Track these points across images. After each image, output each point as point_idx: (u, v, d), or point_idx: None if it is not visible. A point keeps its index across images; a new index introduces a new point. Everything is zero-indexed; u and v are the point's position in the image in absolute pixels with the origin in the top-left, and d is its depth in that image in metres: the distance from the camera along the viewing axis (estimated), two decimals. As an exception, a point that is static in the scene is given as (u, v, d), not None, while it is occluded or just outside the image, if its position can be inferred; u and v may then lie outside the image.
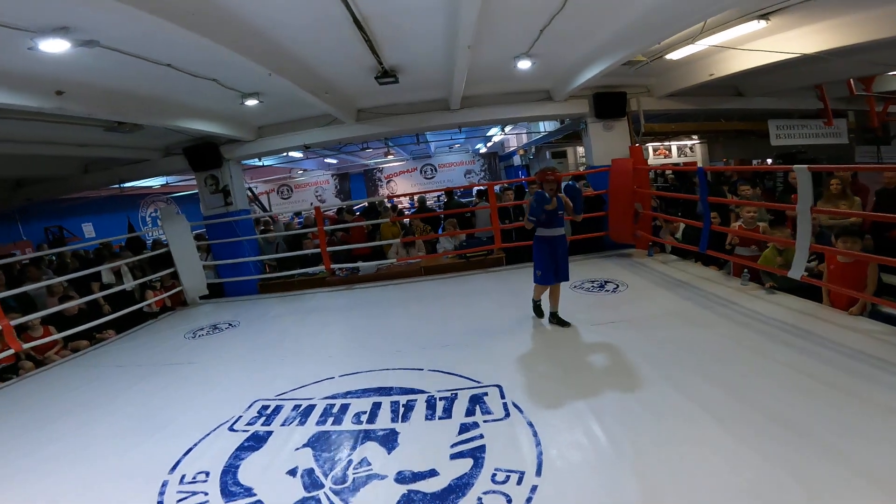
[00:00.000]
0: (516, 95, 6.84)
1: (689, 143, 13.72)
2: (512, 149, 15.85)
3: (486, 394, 2.96)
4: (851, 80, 6.31)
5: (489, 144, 16.33)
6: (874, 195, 5.01)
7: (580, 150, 13.87)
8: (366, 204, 9.34)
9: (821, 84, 6.63)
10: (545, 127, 10.75)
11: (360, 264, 6.71)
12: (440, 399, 2.97)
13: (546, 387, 3.01)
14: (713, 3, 3.22)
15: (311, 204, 16.65)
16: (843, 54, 4.23)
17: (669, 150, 13.80)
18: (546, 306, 4.08)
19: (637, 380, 2.94)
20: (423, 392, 3.08)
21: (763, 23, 3.61)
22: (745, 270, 4.45)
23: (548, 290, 3.97)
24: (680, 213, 6.48)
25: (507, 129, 12.24)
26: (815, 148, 8.56)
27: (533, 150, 14.13)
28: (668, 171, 10.81)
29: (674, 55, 4.91)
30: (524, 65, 5.11)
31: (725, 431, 2.31)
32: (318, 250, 6.53)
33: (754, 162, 12.26)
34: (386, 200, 10.23)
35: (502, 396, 2.90)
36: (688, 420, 2.45)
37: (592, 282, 5.08)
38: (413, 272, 6.48)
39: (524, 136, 13.53)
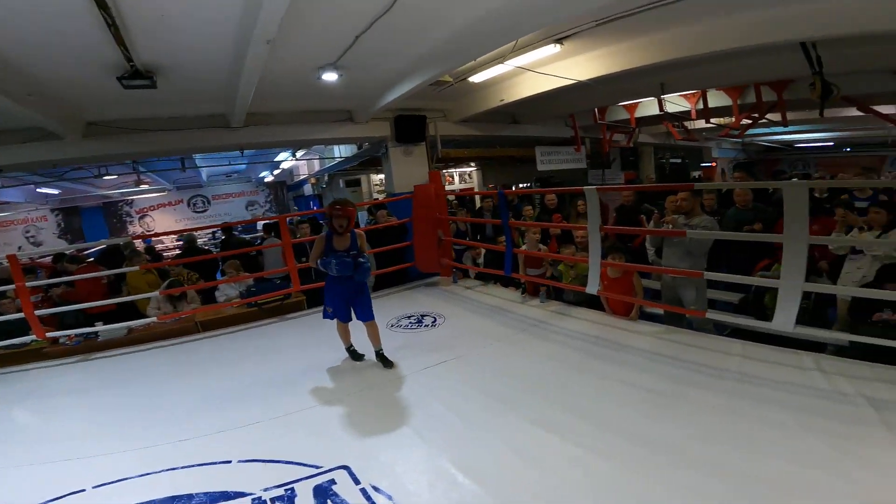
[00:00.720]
0: (314, 114, 6.12)
1: (467, 169, 15.17)
2: (302, 177, 14.60)
3: (333, 481, 2.25)
4: (596, 109, 7.72)
5: (276, 172, 14.46)
6: (614, 212, 5.95)
7: (375, 177, 13.82)
8: (105, 247, 6.99)
9: (573, 113, 7.93)
10: (340, 152, 10.19)
11: (99, 328, 4.77)
12: (273, 501, 2.13)
13: (404, 454, 2.47)
14: (525, 22, 3.26)
15: (19, 248, 12.08)
16: (606, 82, 4.97)
17: (452, 177, 14.94)
18: (364, 347, 3.69)
19: (493, 421, 2.69)
20: (243, 495, 2.18)
21: (558, 47, 3.91)
22: (542, 289, 4.69)
23: (349, 328, 3.64)
24: (479, 238, 6.73)
25: (299, 153, 11.20)
26: (561, 172, 10.33)
27: (326, 178, 13.38)
28: (478, 197, 11.39)
29: (476, 77, 5.02)
30: (330, 77, 4.46)
31: (608, 462, 2.25)
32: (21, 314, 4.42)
33: (519, 186, 14.28)
34: (137, 241, 7.95)
35: (356, 481, 2.24)
36: (571, 462, 2.28)
37: (409, 317, 4.72)
38: (185, 330, 4.86)
39: (316, 163, 12.64)
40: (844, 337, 3.23)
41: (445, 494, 2.14)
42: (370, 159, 9.79)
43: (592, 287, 4.07)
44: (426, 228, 5.83)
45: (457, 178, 15.11)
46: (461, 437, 2.57)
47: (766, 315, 3.73)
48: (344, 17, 3.26)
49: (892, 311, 3.14)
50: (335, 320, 3.59)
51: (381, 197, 13.57)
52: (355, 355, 3.72)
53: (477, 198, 11.50)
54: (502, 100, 5.93)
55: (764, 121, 6.81)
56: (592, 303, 4.42)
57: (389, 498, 2.12)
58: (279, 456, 2.48)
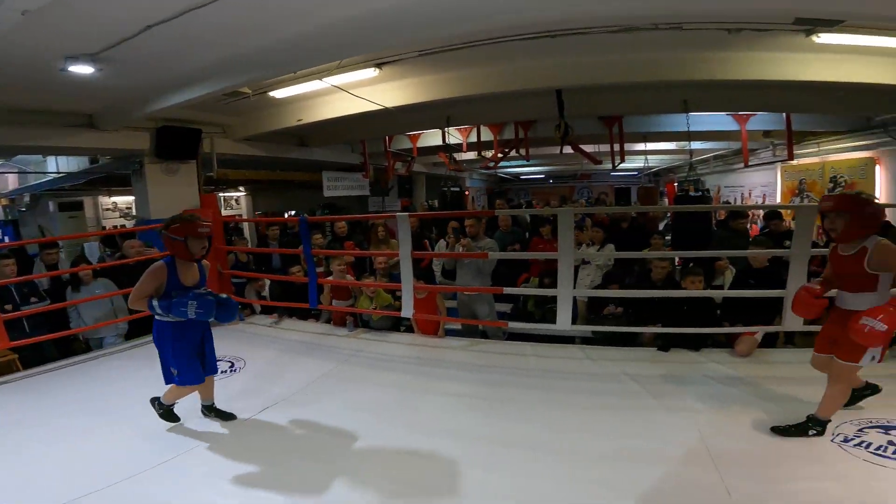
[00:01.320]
0: (34, 115, 4.51)
1: (235, 194, 13.61)
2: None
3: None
4: (387, 137, 8.06)
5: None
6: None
7: (108, 200, 11.02)
8: None
9: (364, 139, 8.10)
10: (59, 165, 7.72)
11: None
12: None
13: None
14: (356, 44, 3.18)
15: None
16: (407, 111, 5.27)
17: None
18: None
19: (355, 462, 2.53)
20: None
21: (377, 71, 3.96)
22: (349, 319, 4.68)
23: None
24: (264, 269, 6.14)
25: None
26: (346, 198, 10.44)
27: (27, 199, 9.98)
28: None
29: (280, 93, 4.60)
30: (82, 70, 3.36)
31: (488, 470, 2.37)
32: None
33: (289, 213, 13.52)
34: None
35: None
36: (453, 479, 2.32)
37: None
38: None
39: (10, 178, 9.30)
40: (589, 328, 4.31)
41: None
42: (104, 178, 7.79)
43: (407, 310, 4.25)
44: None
45: (221, 202, 13.42)
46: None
47: (534, 318, 4.83)
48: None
49: (615, 306, 4.34)
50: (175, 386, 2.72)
51: (118, 224, 10.94)
52: (172, 416, 2.87)
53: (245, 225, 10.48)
54: (300, 119, 5.60)
55: (512, 154, 8.42)
56: (396, 327, 4.70)
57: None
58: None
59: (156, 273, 2.55)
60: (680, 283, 3.94)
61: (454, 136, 7.52)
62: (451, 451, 2.51)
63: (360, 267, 5.55)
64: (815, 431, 2.44)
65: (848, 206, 2.30)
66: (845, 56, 3.84)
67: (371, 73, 4.00)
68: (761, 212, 8.02)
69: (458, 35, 3.25)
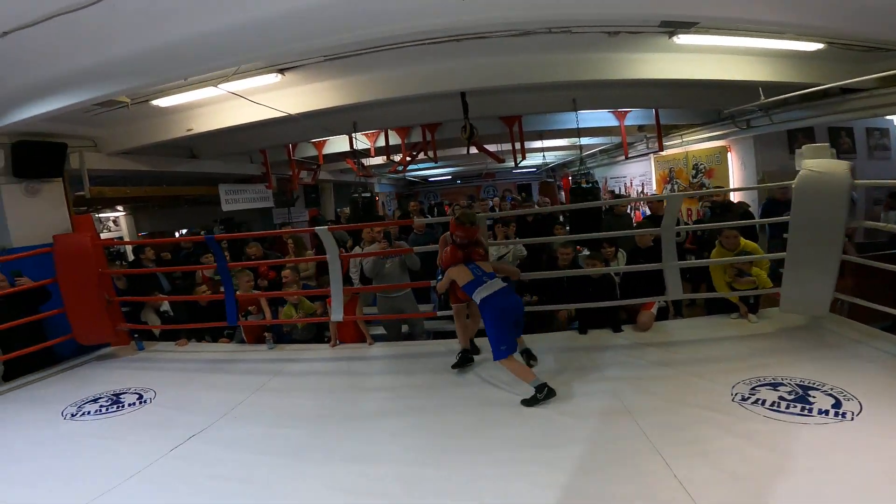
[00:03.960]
0: None
1: (112, 214, 12.05)
2: None
3: None
4: (290, 145, 7.67)
5: None
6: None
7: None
8: None
9: (265, 149, 7.64)
10: None
11: None
12: None
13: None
14: (253, 50, 3.00)
15: None
16: (311, 117, 5.08)
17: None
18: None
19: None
20: None
21: (279, 76, 3.75)
22: (268, 335, 4.43)
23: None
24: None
25: None
26: (247, 212, 9.80)
27: None
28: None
29: (164, 101, 4.16)
30: None
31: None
32: None
33: (180, 232, 12.33)
34: None
35: None
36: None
37: (96, 399, 3.56)
38: None
39: None
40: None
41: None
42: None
43: (338, 314, 4.13)
44: (83, 290, 4.41)
45: (98, 226, 11.83)
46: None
47: None
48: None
49: (531, 296, 4.58)
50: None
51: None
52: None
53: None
54: (191, 129, 5.13)
55: (420, 157, 8.50)
56: (319, 338, 4.60)
57: None
58: None
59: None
60: (583, 267, 4.30)
61: (361, 141, 7.41)
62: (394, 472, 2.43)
63: (274, 287, 5.24)
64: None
65: None
66: (701, 55, 4.46)
67: (273, 78, 3.80)
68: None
69: (360, 41, 3.19)
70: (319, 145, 7.84)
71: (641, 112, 7.74)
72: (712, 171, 8.98)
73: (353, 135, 6.59)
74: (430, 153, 7.81)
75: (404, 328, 4.91)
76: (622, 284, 4.34)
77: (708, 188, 8.52)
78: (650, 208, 5.88)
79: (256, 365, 4.03)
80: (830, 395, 2.68)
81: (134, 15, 2.56)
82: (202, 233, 8.68)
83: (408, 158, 8.27)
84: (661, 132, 7.57)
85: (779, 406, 2.64)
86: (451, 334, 4.45)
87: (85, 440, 2.92)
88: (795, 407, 2.61)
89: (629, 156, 9.27)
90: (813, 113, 5.88)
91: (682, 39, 3.82)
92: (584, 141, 10.99)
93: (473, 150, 7.79)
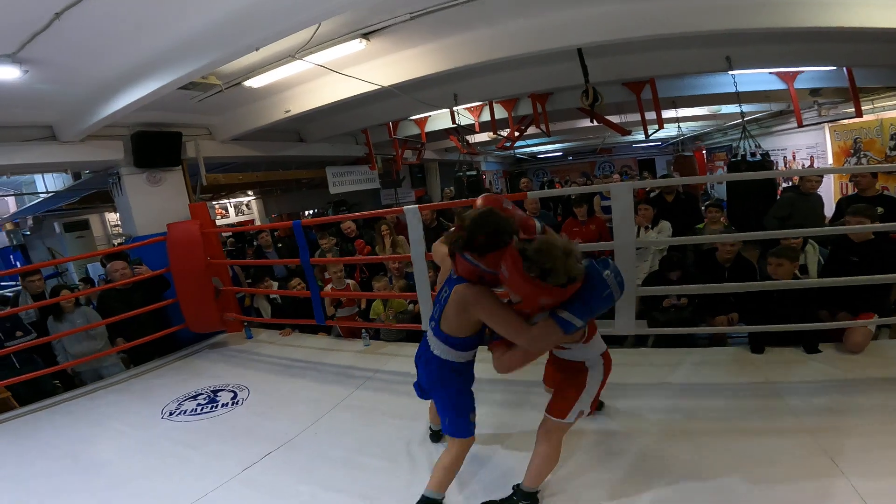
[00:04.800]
0: (-11, 131, 4.02)
1: (244, 199, 13.18)
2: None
3: None
4: (390, 123, 7.40)
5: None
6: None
7: (112, 216, 10.70)
8: None
9: (366, 128, 7.45)
10: (47, 184, 7.36)
11: None
12: None
13: None
14: (319, 4, 2.52)
15: None
16: (406, 90, 4.61)
17: (226, 210, 12.80)
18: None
19: None
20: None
21: (364, 42, 3.30)
22: (364, 332, 4.16)
23: None
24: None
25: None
26: (353, 194, 9.84)
27: (30, 221, 9.74)
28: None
29: (255, 81, 3.98)
30: (8, 74, 2.83)
31: None
32: None
33: (308, 213, 13.03)
34: None
35: None
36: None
37: (195, 396, 3.52)
38: None
39: (10, 202, 9.05)
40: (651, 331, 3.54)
41: None
42: (103, 193, 7.39)
43: (427, 323, 3.57)
44: (194, 278, 4.47)
45: (232, 210, 13.05)
46: None
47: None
48: None
49: (678, 297, 3.59)
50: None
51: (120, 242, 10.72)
52: None
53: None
54: (288, 111, 4.98)
55: (530, 131, 7.65)
56: (417, 336, 3.96)
57: None
58: None
59: (494, 294, 1.77)
60: (756, 264, 3.21)
61: (464, 116, 6.81)
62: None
63: (371, 267, 4.99)
64: None
65: None
66: None
67: (358, 45, 3.33)
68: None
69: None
70: (421, 123, 7.42)
71: (817, 74, 5.95)
72: (920, 142, 6.76)
73: (455, 109, 6.00)
74: (542, 127, 6.94)
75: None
76: (818, 288, 3.15)
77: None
78: (853, 185, 4.37)
79: (353, 365, 3.77)
80: None
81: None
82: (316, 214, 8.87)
83: (516, 133, 7.49)
84: (858, 95, 5.69)
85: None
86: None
87: (168, 452, 2.80)
88: None
89: (802, 124, 7.36)
90: None
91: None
92: (728, 109, 9.13)
93: (580, 122, 6.75)
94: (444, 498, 1.90)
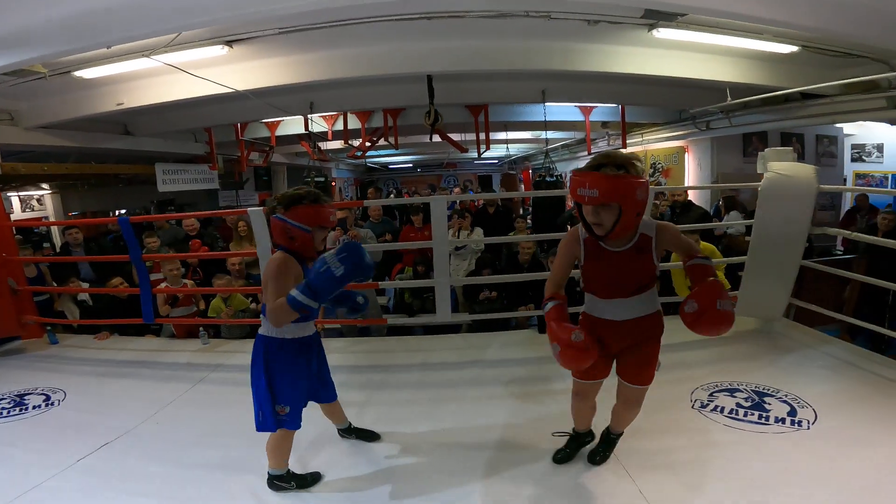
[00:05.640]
0: None
1: (35, 193, 10.86)
2: None
3: None
4: (238, 125, 7.06)
5: None
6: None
7: None
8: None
9: (210, 127, 7.00)
10: None
11: None
12: None
13: None
14: (197, 14, 2.57)
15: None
16: (262, 95, 4.62)
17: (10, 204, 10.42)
18: None
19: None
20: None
21: (226, 49, 3.30)
22: (202, 329, 4.04)
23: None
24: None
25: None
26: (189, 193, 9.10)
27: None
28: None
29: (89, 72, 3.60)
30: None
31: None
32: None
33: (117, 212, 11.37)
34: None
35: None
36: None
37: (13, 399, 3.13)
38: None
39: None
40: (469, 318, 4.26)
41: None
42: None
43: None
44: None
45: (17, 205, 10.68)
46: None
47: (412, 309, 4.86)
48: None
49: (490, 291, 4.47)
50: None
51: None
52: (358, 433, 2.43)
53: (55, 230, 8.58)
54: (121, 104, 4.54)
55: (381, 143, 8.11)
56: (253, 334, 4.06)
57: None
58: None
59: (287, 266, 1.83)
60: (544, 263, 4.15)
61: (318, 123, 6.94)
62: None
63: (207, 270, 4.83)
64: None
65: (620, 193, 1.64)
66: (675, 52, 4.39)
67: (219, 51, 3.34)
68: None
69: (319, 9, 2.84)
70: (273, 126, 7.29)
71: (606, 109, 7.71)
72: (669, 171, 9.16)
73: (310, 116, 6.13)
74: (392, 139, 7.46)
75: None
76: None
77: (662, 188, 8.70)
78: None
79: (193, 362, 3.61)
80: (785, 401, 2.70)
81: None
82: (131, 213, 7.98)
83: (367, 144, 7.87)
84: (608, 130, 7.56)
85: (737, 414, 2.62)
86: (409, 330, 4.30)
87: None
88: (752, 415, 2.60)
89: (591, 152, 9.27)
90: (773, 117, 6.02)
91: (661, 34, 3.71)
92: (550, 134, 10.99)
93: (437, 137, 7.52)
94: (287, 470, 2.05)
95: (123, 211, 11.36)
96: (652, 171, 9.66)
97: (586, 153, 9.43)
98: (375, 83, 5.24)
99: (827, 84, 4.46)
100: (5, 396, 3.16)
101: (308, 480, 2.09)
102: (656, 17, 3.25)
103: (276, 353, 1.92)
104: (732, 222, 5.22)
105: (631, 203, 1.63)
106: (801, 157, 8.26)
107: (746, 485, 2.03)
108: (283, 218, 1.87)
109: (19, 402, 3.10)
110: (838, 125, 7.89)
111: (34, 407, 3.02)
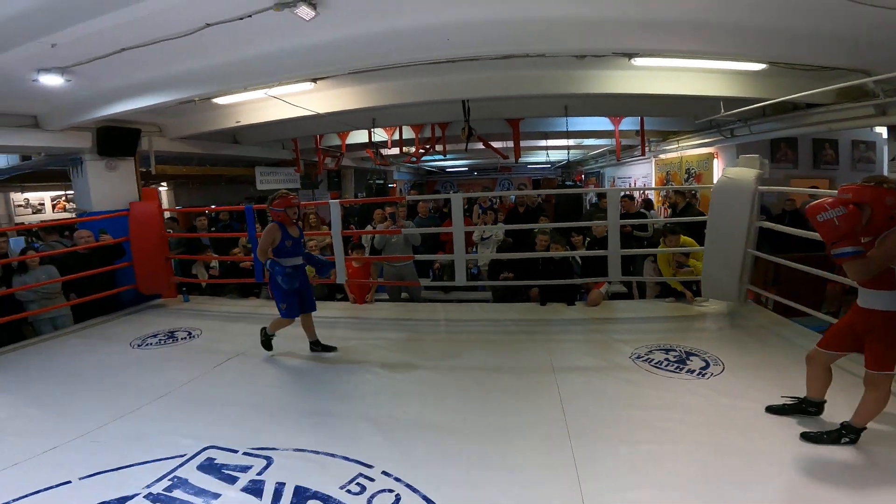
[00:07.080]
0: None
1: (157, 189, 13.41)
2: None
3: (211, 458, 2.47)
4: (317, 135, 8.76)
5: None
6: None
7: (20, 196, 10.80)
8: None
9: (296, 138, 8.74)
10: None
11: None
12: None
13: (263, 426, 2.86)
14: (298, 69, 4.08)
15: None
16: (336, 114, 6.12)
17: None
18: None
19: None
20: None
21: (312, 85, 4.77)
22: None
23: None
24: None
25: None
26: (275, 191, 10.93)
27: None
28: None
29: (223, 100, 5.24)
30: (51, 81, 3.90)
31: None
32: None
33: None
34: None
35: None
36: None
37: (155, 335, 4.65)
38: None
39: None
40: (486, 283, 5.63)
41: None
42: (39, 172, 7.88)
43: (341, 276, 5.22)
44: (150, 249, 5.72)
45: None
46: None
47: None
48: (117, 29, 3.20)
49: (507, 272, 5.54)
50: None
51: (35, 219, 10.84)
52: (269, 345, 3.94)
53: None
54: (238, 121, 6.24)
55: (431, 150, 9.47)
56: (332, 296, 5.77)
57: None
58: (132, 460, 2.46)
59: (272, 231, 3.61)
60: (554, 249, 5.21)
61: (380, 134, 8.41)
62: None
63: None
64: (847, 440, 2.23)
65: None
66: (660, 73, 5.07)
67: (307, 86, 4.81)
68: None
69: (375, 66, 4.21)
70: (343, 136, 8.89)
71: (635, 119, 8.50)
72: (701, 176, 9.68)
73: (372, 129, 7.59)
74: (440, 147, 8.78)
75: (404, 294, 5.95)
76: (584, 267, 5.26)
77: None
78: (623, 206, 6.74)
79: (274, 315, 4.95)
80: (705, 360, 3.43)
81: (214, 37, 3.55)
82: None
83: (421, 151, 9.25)
84: (648, 137, 8.34)
85: (661, 364, 3.40)
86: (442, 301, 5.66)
87: (149, 362, 3.98)
88: (672, 366, 3.39)
89: (624, 159, 10.03)
90: (783, 125, 6.49)
91: (640, 62, 4.62)
92: (591, 142, 11.77)
93: (480, 145, 8.74)
94: (273, 335, 3.89)
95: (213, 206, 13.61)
96: (686, 175, 10.22)
97: (629, 159, 10.15)
98: (425, 104, 6.53)
99: (810, 92, 4.77)
100: (161, 332, 4.74)
101: (272, 347, 3.89)
102: (625, 55, 4.22)
103: (279, 273, 3.60)
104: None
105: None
106: (834, 163, 8.55)
107: (639, 407, 2.81)
108: (272, 207, 3.65)
109: (171, 335, 4.66)
110: (877, 130, 8.03)
111: (182, 339, 4.56)
